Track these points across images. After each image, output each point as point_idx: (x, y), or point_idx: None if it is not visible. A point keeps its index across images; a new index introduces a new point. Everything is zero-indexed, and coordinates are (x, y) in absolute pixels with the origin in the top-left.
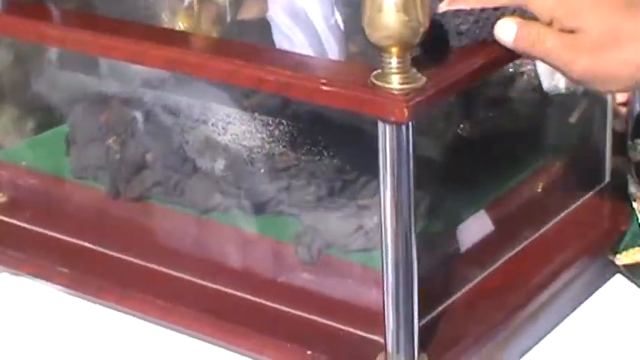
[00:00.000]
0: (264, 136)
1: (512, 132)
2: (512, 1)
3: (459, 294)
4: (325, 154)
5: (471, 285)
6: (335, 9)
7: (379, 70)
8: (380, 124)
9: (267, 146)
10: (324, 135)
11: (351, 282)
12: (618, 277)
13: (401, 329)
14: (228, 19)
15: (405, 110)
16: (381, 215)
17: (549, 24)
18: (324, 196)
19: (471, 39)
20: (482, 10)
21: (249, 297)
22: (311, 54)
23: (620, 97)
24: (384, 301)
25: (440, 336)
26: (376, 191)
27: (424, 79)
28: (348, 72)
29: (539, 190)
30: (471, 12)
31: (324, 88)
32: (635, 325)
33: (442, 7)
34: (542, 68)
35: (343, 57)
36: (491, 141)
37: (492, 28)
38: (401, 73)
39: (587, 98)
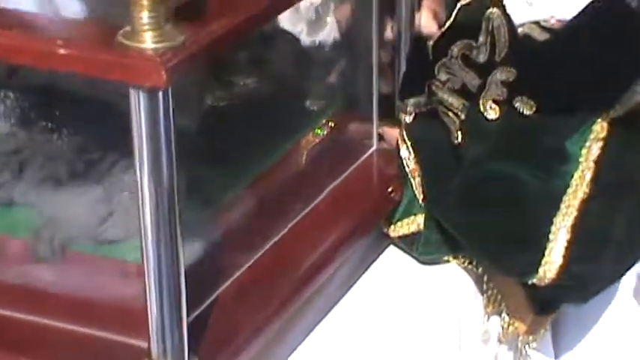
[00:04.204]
0: None
1: (271, 98)
2: None
3: (227, 284)
4: (63, 130)
5: (240, 272)
6: None
7: (128, 28)
8: (132, 92)
9: None
10: (61, 108)
11: (103, 279)
12: (392, 249)
13: (167, 329)
14: None
15: (163, 73)
16: (138, 199)
17: None
18: (65, 180)
19: None
20: None
21: None
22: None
23: (385, 57)
24: (146, 297)
25: (210, 334)
26: (127, 171)
27: (182, 36)
28: (90, 31)
29: (302, 163)
30: None
31: (62, 51)
32: (413, 296)
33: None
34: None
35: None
36: (248, 109)
37: None
38: (154, 30)
39: (349, 57)
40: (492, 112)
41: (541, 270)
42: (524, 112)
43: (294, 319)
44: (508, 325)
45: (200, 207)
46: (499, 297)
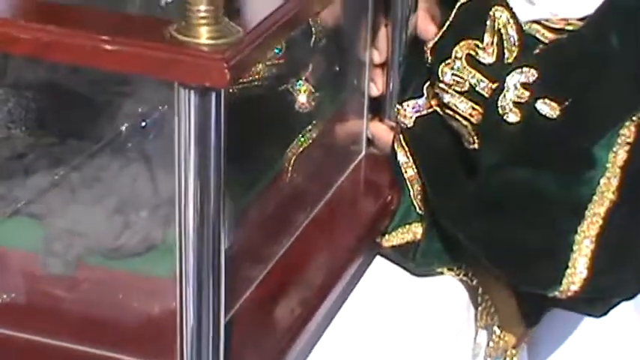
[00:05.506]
0: None
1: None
2: None
3: (240, 302)
4: (73, 132)
5: (249, 291)
6: None
7: (182, 22)
8: (182, 92)
9: None
10: (70, 109)
11: (126, 297)
12: (379, 259)
13: (203, 354)
14: None
15: (226, 72)
16: (179, 211)
17: None
18: (77, 188)
19: None
20: None
21: None
22: None
23: (378, 58)
24: (181, 318)
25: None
26: (146, 177)
27: (240, 30)
28: (137, 26)
29: (290, 173)
30: None
31: (109, 47)
32: (407, 309)
33: None
34: None
35: None
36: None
37: None
38: (211, 24)
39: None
40: (513, 115)
41: (565, 282)
42: (548, 115)
43: (311, 339)
44: (499, 339)
45: None
46: (492, 310)
